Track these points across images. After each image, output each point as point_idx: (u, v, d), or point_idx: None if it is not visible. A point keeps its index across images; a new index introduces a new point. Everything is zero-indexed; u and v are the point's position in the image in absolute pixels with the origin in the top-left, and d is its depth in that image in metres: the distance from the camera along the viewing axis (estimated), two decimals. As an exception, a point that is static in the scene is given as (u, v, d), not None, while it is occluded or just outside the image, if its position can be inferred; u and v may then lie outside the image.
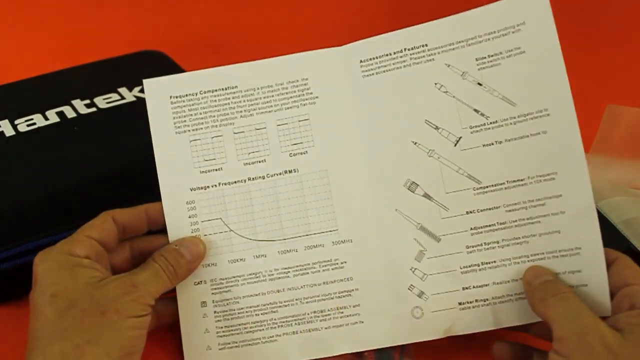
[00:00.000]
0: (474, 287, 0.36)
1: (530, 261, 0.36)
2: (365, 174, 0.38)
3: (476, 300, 0.36)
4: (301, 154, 0.39)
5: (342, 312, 0.37)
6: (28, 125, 0.46)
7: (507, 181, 0.36)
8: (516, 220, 0.36)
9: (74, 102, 0.49)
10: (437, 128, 0.37)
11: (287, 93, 0.39)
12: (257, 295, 0.38)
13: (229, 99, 0.39)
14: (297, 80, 0.39)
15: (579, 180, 0.35)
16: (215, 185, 0.38)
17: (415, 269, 0.37)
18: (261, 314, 0.38)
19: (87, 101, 0.49)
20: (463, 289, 0.37)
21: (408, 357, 0.39)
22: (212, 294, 0.38)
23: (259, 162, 0.39)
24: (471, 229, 0.37)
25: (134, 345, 0.33)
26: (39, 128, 0.46)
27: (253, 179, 0.38)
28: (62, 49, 0.75)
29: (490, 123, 0.37)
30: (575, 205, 0.35)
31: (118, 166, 0.43)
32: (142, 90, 0.50)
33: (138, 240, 0.38)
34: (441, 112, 0.37)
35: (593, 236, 0.35)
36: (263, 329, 0.37)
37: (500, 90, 0.36)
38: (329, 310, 0.37)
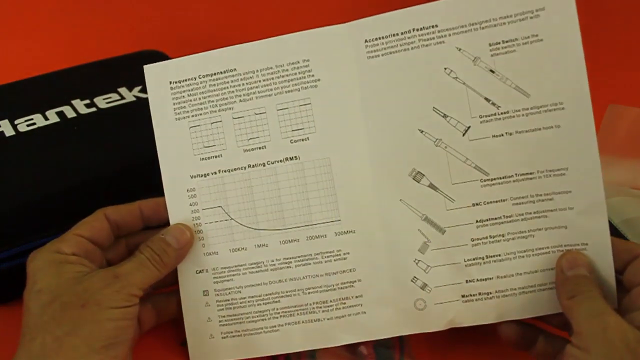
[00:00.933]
0: (477, 280, 0.36)
1: (535, 255, 0.35)
2: (369, 162, 0.37)
3: (479, 294, 0.36)
4: (302, 140, 0.37)
5: (344, 303, 0.37)
6: (28, 125, 0.46)
7: (516, 174, 0.35)
8: (523, 214, 0.35)
9: (74, 102, 0.48)
10: (445, 116, 0.36)
11: (287, 75, 0.37)
12: (259, 285, 0.37)
13: (227, 82, 0.38)
14: (298, 62, 0.37)
15: (591, 177, 0.34)
16: (215, 173, 0.38)
17: (419, 260, 0.37)
18: (263, 303, 0.37)
19: (87, 101, 0.49)
20: (467, 281, 0.36)
21: (408, 357, 0.39)
22: (214, 282, 0.38)
23: (259, 148, 0.37)
24: (477, 221, 0.36)
25: (116, 335, 0.33)
26: (39, 128, 0.45)
27: (253, 166, 0.38)
28: (62, 49, 0.75)
29: (502, 113, 0.35)
30: (584, 202, 0.35)
31: (118, 166, 0.43)
32: (142, 90, 0.50)
33: (136, 236, 0.38)
34: (450, 100, 0.36)
35: (601, 233, 0.34)
36: (265, 319, 0.37)
37: (513, 80, 0.35)
38: (331, 301, 0.37)
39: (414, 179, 0.37)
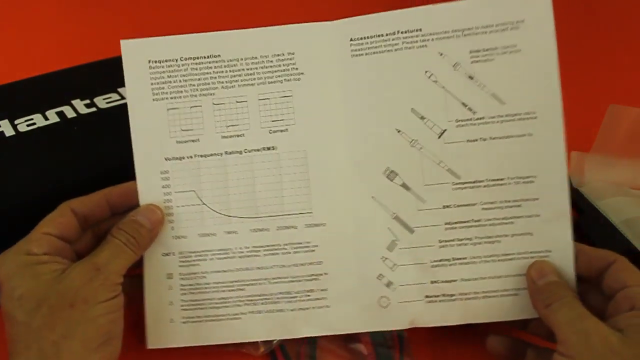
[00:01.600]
0: (442, 281, 0.37)
1: (501, 261, 0.36)
2: (345, 158, 0.37)
3: (443, 295, 0.37)
4: (281, 131, 0.38)
5: (309, 296, 0.37)
6: (28, 125, 0.46)
7: (487, 179, 0.36)
8: (491, 219, 0.36)
9: (74, 102, 0.48)
10: (422, 118, 0.37)
11: (272, 67, 0.38)
12: (225, 271, 0.37)
13: (210, 68, 0.38)
14: (283, 54, 0.38)
15: (558, 185, 0.35)
16: (191, 157, 0.38)
17: (386, 258, 0.37)
18: (228, 290, 0.37)
19: (87, 101, 0.49)
20: (431, 282, 0.37)
21: (408, 357, 0.39)
22: (180, 266, 0.37)
23: (237, 136, 0.38)
24: (446, 223, 0.37)
25: (110, 330, 0.32)
26: (39, 128, 0.45)
27: (230, 153, 0.38)
28: (62, 49, 0.75)
29: (477, 119, 0.36)
30: (550, 210, 0.35)
31: (118, 166, 0.43)
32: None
33: (103, 223, 0.37)
34: (428, 102, 0.36)
35: (565, 240, 0.35)
36: (228, 306, 0.37)
37: (490, 87, 0.36)
38: (296, 292, 0.37)
39: (387, 177, 0.37)
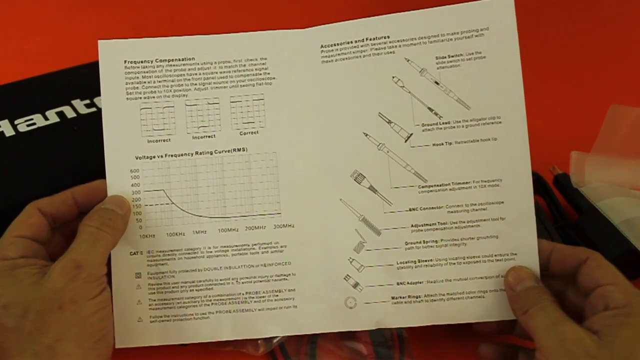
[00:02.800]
0: (408, 283, 0.37)
1: (466, 263, 0.37)
2: (314, 160, 0.38)
3: (409, 297, 0.37)
4: (252, 133, 0.38)
5: (277, 295, 0.38)
6: (28, 125, 0.46)
7: (453, 182, 0.37)
8: (457, 222, 0.37)
9: (74, 102, 0.48)
10: (389, 122, 0.37)
11: (244, 71, 0.38)
12: (193, 271, 0.37)
13: (184, 70, 0.38)
14: (256, 59, 0.39)
15: (522, 189, 0.36)
16: (162, 156, 0.38)
17: (353, 259, 0.37)
18: (196, 290, 0.37)
19: (87, 101, 0.49)
20: (397, 283, 0.37)
21: (408, 357, 0.39)
22: (148, 265, 0.38)
23: (208, 137, 0.38)
24: (412, 225, 0.37)
25: (103, 327, 0.32)
26: (39, 128, 0.45)
27: (200, 153, 0.38)
28: (62, 49, 0.75)
29: (443, 123, 0.37)
30: (515, 213, 0.36)
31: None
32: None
33: (71, 223, 0.37)
34: (395, 107, 0.37)
35: (530, 243, 0.36)
36: (196, 305, 0.37)
37: (456, 92, 0.37)
38: (264, 292, 0.37)
39: (355, 180, 0.38)
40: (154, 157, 0.38)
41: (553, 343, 0.30)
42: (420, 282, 0.37)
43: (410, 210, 0.37)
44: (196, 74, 0.38)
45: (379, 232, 0.37)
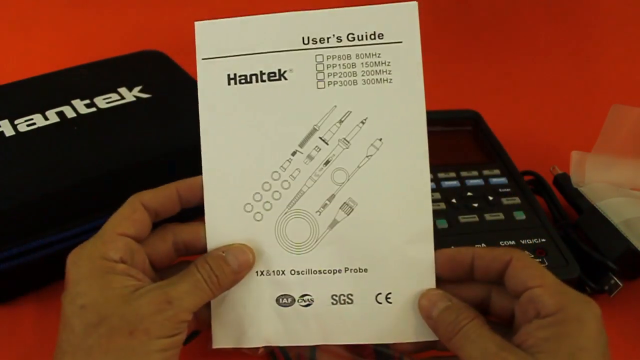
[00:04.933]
0: None
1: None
2: None
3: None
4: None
5: None
6: (28, 125, 0.46)
7: None
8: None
9: (74, 102, 0.48)
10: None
11: None
12: None
13: None
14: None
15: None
16: None
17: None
18: None
19: (87, 101, 0.49)
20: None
21: (408, 357, 0.39)
22: None
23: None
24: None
25: None
26: (39, 128, 0.45)
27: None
28: (62, 49, 0.75)
29: None
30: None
31: (117, 166, 0.43)
32: (142, 90, 0.50)
33: (178, 230, 0.35)
34: None
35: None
36: None
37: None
38: None
39: None
40: None
41: None
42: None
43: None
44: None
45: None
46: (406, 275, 0.33)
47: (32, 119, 0.46)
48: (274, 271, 0.34)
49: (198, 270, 0.32)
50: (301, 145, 0.34)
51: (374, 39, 0.33)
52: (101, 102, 0.48)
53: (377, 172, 0.33)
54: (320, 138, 0.33)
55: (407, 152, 0.33)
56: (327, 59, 0.33)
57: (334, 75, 0.33)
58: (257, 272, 0.34)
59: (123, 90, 0.50)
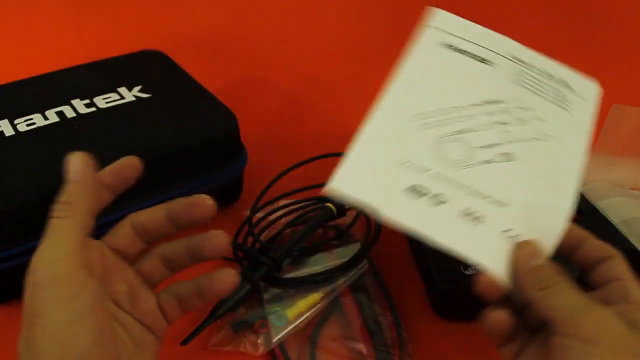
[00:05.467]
0: None
1: None
2: None
3: None
4: None
5: None
6: (28, 125, 0.45)
7: None
8: None
9: (74, 102, 0.48)
10: None
11: None
12: None
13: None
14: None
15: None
16: None
17: None
18: None
19: (87, 101, 0.49)
20: None
21: (408, 357, 0.39)
22: None
23: None
24: None
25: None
26: (39, 128, 0.45)
27: None
28: (63, 49, 0.75)
29: None
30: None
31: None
32: (142, 90, 0.50)
33: (136, 215, 0.34)
34: None
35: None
36: None
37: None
38: None
39: None
40: None
41: (593, 326, 0.29)
42: None
43: None
44: None
45: None
46: (537, 228, 0.34)
47: (32, 119, 0.46)
48: (422, 167, 0.35)
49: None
50: (488, 103, 0.38)
51: (566, 87, 0.39)
52: (101, 102, 0.48)
53: (541, 151, 0.36)
54: (504, 108, 0.38)
55: (569, 150, 0.37)
56: (526, 74, 0.39)
57: (527, 83, 0.39)
58: (405, 161, 0.35)
59: (123, 90, 0.50)
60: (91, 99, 0.49)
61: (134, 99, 0.49)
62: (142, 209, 0.44)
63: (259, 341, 0.40)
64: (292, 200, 0.50)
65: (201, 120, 0.48)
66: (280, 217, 0.49)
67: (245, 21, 0.83)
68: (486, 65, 0.39)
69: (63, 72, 0.53)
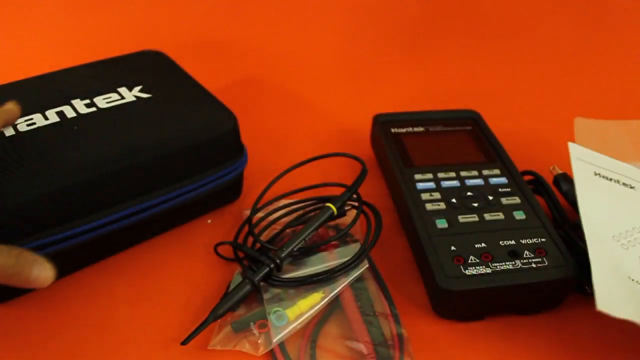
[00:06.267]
0: None
1: None
2: None
3: None
4: None
5: None
6: (28, 125, 0.45)
7: None
8: None
9: (74, 102, 0.48)
10: None
11: None
12: None
13: None
14: None
15: None
16: None
17: None
18: None
19: (87, 101, 0.48)
20: None
21: (408, 357, 0.39)
22: None
23: None
24: None
25: None
26: (39, 128, 0.45)
27: None
28: (63, 49, 0.75)
29: None
30: None
31: (117, 166, 0.43)
32: (142, 90, 0.50)
33: None
34: None
35: None
36: None
37: None
38: None
39: None
40: None
41: None
42: None
43: None
44: None
45: None
46: None
47: (32, 119, 0.46)
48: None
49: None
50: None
51: None
52: (101, 102, 0.48)
53: None
54: None
55: None
56: None
57: None
58: (627, 276, 0.40)
59: (123, 90, 0.50)
60: (91, 99, 0.49)
61: (134, 98, 0.49)
62: (142, 208, 0.45)
63: (259, 341, 0.40)
64: (292, 200, 0.50)
65: (201, 120, 0.48)
66: (280, 217, 0.49)
67: (245, 21, 0.83)
68: (632, 190, 0.47)
69: (63, 72, 0.53)
